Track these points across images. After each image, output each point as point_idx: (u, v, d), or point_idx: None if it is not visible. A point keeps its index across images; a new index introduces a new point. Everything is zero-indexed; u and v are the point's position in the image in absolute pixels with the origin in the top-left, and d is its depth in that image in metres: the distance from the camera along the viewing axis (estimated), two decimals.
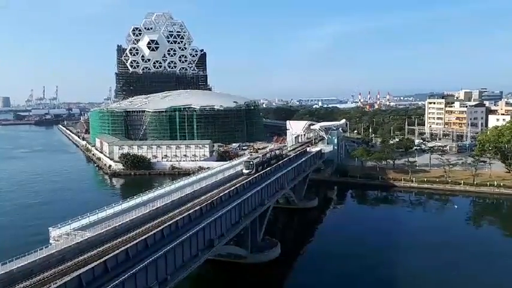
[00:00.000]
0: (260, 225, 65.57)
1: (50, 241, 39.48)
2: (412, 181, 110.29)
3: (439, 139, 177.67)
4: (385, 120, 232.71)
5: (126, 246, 36.24)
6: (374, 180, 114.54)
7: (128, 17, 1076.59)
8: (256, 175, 68.77)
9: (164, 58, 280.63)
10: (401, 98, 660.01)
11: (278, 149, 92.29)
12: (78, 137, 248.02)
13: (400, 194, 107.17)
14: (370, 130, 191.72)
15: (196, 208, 48.82)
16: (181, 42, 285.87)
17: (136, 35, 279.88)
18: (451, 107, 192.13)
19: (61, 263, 34.15)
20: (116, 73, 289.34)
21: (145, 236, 39.09)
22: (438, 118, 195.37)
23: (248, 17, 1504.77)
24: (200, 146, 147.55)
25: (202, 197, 55.92)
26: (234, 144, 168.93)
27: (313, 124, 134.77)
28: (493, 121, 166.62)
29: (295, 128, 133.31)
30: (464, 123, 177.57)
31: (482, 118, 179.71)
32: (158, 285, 36.67)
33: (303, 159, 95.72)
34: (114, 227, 41.54)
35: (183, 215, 45.87)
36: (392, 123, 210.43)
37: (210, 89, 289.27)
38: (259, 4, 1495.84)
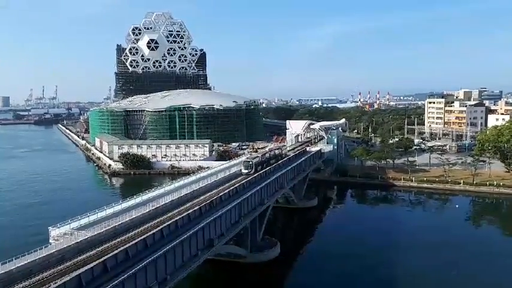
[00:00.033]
0: (260, 224, 65.56)
1: (50, 241, 39.42)
2: (412, 181, 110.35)
3: (439, 139, 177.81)
4: (384, 119, 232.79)
5: (125, 246, 36.20)
6: (374, 180, 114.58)
7: (128, 16, 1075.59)
8: (255, 175, 68.61)
9: (164, 58, 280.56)
10: (401, 97, 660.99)
11: (277, 149, 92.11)
12: (78, 137, 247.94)
13: (399, 194, 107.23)
14: (369, 130, 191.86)
15: (195, 208, 48.78)
16: (181, 41, 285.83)
17: (136, 35, 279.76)
18: (451, 106, 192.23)
19: (60, 262, 34.09)
20: (115, 73, 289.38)
21: (145, 235, 39.04)
22: (438, 118, 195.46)
23: (248, 17, 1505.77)
24: (200, 145, 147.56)
25: (202, 197, 55.85)
26: (233, 144, 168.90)
27: (313, 124, 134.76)
28: (492, 121, 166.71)
29: (295, 127, 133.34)
30: (463, 123, 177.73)
31: (481, 118, 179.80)
32: (158, 285, 36.64)
33: (303, 158, 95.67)
34: (114, 226, 41.49)
35: (183, 215, 45.82)
36: (392, 123, 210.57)
37: (209, 89, 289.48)
38: (259, 4, 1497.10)
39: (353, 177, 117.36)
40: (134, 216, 44.88)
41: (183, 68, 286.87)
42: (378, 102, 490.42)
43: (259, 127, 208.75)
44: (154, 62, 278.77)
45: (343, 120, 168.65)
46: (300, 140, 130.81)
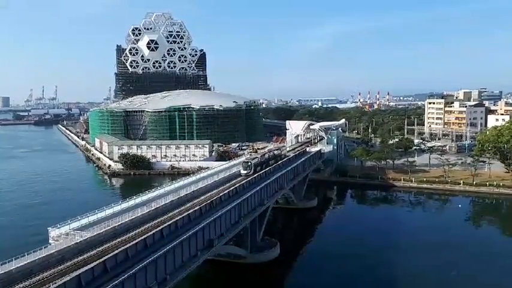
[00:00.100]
0: (259, 225, 65.55)
1: (50, 241, 39.44)
2: (412, 181, 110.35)
3: (439, 139, 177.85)
4: (384, 120, 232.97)
5: (125, 246, 36.22)
6: (373, 180, 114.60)
7: (128, 17, 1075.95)
8: (254, 176, 68.40)
9: (164, 58, 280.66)
10: (401, 98, 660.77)
11: (277, 150, 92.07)
12: (78, 137, 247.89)
13: (399, 194, 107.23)
14: (369, 130, 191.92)
15: (195, 208, 48.80)
16: (181, 42, 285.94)
17: (136, 35, 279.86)
18: (451, 107, 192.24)
19: (60, 263, 34.13)
20: (115, 73, 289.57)
21: (145, 236, 39.06)
22: (438, 118, 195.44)
23: (248, 17, 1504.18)
24: (200, 146, 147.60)
25: (202, 197, 55.92)
26: (233, 144, 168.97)
27: (313, 124, 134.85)
28: (492, 121, 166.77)
29: (295, 128, 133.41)
30: (463, 123, 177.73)
31: (481, 118, 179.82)
32: (157, 285, 36.65)
33: (303, 159, 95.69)
34: (114, 227, 41.52)
35: (183, 215, 45.84)
36: (391, 123, 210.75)
37: (209, 89, 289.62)
38: (259, 4, 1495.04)
39: (353, 178, 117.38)
40: (134, 217, 44.93)
41: (183, 68, 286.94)
42: (377, 102, 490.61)
43: (259, 127, 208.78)
44: (154, 63, 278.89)
45: (343, 120, 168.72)
46: (299, 140, 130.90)
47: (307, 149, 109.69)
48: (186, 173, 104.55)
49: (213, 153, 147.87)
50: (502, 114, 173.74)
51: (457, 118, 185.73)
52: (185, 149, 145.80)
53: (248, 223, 59.89)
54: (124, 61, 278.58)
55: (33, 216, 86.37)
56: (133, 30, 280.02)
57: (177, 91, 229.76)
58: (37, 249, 34.20)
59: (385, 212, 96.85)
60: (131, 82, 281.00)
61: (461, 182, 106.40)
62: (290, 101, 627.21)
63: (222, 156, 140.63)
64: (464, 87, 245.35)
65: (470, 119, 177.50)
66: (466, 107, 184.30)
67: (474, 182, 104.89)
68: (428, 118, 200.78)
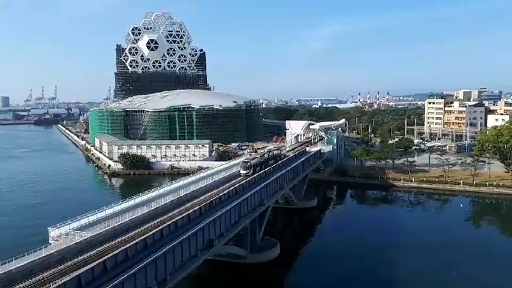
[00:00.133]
0: (259, 225, 65.55)
1: (50, 241, 39.43)
2: (412, 181, 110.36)
3: (438, 139, 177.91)
4: (384, 120, 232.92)
5: (125, 246, 36.22)
6: (373, 180, 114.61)
7: (128, 17, 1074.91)
8: (253, 176, 68.29)
9: (163, 58, 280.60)
10: (401, 98, 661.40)
11: (276, 150, 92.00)
12: (78, 137, 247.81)
13: (399, 194, 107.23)
14: (369, 130, 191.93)
15: (195, 208, 48.81)
16: (181, 42, 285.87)
17: (136, 35, 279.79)
18: (450, 107, 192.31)
19: (60, 263, 34.13)
20: (115, 73, 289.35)
21: (145, 236, 39.06)
22: (437, 118, 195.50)
23: (248, 17, 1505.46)
24: (199, 145, 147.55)
25: (202, 197, 55.91)
26: (233, 144, 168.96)
27: (313, 124, 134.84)
28: (492, 121, 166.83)
29: (295, 127, 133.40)
30: (463, 123, 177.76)
31: (481, 118, 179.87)
32: (157, 285, 36.66)
33: (302, 159, 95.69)
34: (114, 227, 41.51)
35: (183, 215, 45.85)
36: (391, 123, 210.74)
37: (209, 89, 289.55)
38: (259, 4, 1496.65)
39: (353, 178, 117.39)
40: (134, 217, 44.92)
41: (182, 68, 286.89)
42: (377, 102, 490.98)
43: (259, 127, 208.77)
44: (154, 62, 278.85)
45: (343, 120, 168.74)
46: (299, 140, 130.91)
47: (307, 148, 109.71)
48: (186, 173, 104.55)
49: (213, 153, 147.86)
50: (502, 114, 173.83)
51: (456, 118, 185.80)
52: (185, 148, 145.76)
53: (248, 223, 59.89)
54: (124, 61, 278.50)
55: (33, 216, 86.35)
56: (133, 30, 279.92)
57: (176, 91, 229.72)
58: (37, 249, 34.21)
59: (385, 212, 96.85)
60: (131, 82, 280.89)
61: (461, 182, 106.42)
62: (290, 101, 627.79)
63: (222, 156, 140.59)
64: (464, 87, 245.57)
65: (470, 118, 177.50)
66: (465, 107, 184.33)
67: (474, 182, 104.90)
68: (428, 118, 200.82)
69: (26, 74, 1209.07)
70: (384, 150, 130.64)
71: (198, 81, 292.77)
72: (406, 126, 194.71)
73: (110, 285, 30.94)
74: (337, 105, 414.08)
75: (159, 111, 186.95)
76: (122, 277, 32.31)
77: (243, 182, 64.04)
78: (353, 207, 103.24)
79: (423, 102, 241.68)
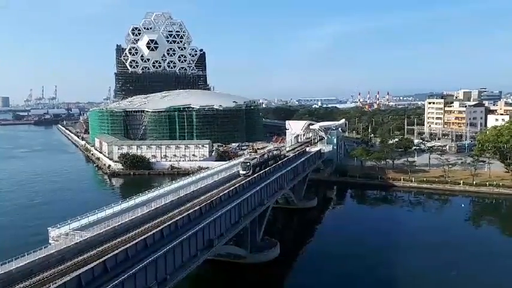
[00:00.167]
0: (259, 225, 65.56)
1: (50, 241, 39.44)
2: (412, 181, 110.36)
3: (438, 139, 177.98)
4: (384, 120, 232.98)
5: (125, 246, 36.22)
6: (373, 180, 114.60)
7: (128, 17, 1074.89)
8: (253, 176, 68.12)
9: (163, 58, 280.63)
10: (401, 98, 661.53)
11: (276, 150, 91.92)
12: (78, 137, 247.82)
13: (399, 194, 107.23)
14: (369, 130, 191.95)
15: (195, 208, 48.81)
16: (181, 42, 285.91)
17: (136, 35, 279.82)
18: (450, 106, 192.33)
19: (60, 263, 34.14)
20: (115, 73, 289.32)
21: (145, 236, 39.06)
22: (437, 118, 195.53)
23: (248, 17, 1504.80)
24: (199, 146, 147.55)
25: (202, 197, 55.93)
26: (233, 144, 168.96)
27: (313, 124, 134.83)
28: (492, 121, 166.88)
29: (295, 127, 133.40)
30: (463, 123, 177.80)
31: (481, 118, 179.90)
32: (157, 285, 36.64)
33: (302, 159, 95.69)
34: (114, 227, 41.52)
35: (183, 215, 45.85)
36: (391, 123, 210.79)
37: (209, 89, 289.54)
38: (259, 4, 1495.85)
39: (353, 178, 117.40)
40: (134, 217, 44.93)
41: (182, 68, 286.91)
42: (377, 102, 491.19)
43: (259, 127, 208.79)
44: (154, 62, 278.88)
45: (343, 120, 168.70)
46: (299, 140, 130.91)
47: (307, 149, 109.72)
48: (186, 173, 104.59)
49: (213, 153, 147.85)
50: (502, 114, 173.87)
51: (456, 118, 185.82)
52: (185, 149, 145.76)
53: (248, 223, 59.89)
54: (124, 61, 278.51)
55: (33, 216, 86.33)
56: (133, 30, 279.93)
57: (176, 91, 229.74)
58: (37, 249, 34.21)
59: (385, 212, 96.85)
60: (131, 82, 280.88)
61: (461, 182, 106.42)
62: (290, 101, 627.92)
63: (222, 156, 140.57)
64: (464, 87, 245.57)
65: (470, 118, 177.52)
66: (465, 106, 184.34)
67: (474, 182, 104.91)
68: (428, 118, 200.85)
69: (26, 74, 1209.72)
70: (383, 150, 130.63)
71: (198, 82, 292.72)
72: (406, 126, 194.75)
73: (110, 285, 30.93)
74: (337, 105, 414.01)
75: (159, 112, 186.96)
76: (122, 277, 32.29)
77: (243, 182, 64.05)
78: (353, 207, 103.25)
79: (423, 102, 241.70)
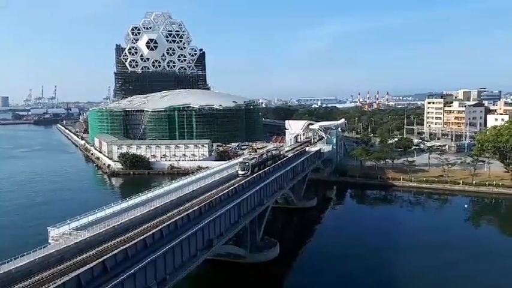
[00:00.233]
0: (259, 225, 65.54)
1: (49, 241, 39.39)
2: (411, 181, 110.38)
3: (438, 139, 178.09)
4: (384, 119, 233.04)
5: (125, 246, 36.16)
6: (373, 180, 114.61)
7: (128, 16, 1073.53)
8: (251, 177, 67.83)
9: (163, 57, 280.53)
10: (401, 97, 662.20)
11: (275, 150, 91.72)
12: (77, 137, 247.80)
13: (399, 194, 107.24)
14: (369, 130, 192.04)
15: (195, 208, 48.74)
16: (181, 41, 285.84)
17: (135, 35, 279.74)
18: (450, 106, 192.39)
19: (60, 262, 34.05)
20: (114, 72, 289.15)
21: (145, 235, 39.00)
22: (437, 118, 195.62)
23: (248, 17, 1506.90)
24: (199, 145, 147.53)
25: (201, 197, 55.76)
26: (233, 144, 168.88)
27: (312, 124, 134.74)
28: (491, 121, 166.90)
29: (294, 127, 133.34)
30: (463, 123, 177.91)
31: (481, 118, 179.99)
32: (157, 285, 36.62)
33: (302, 159, 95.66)
34: (113, 226, 41.43)
35: (182, 215, 45.79)
36: (391, 123, 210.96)
37: (209, 89, 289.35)
38: (259, 4, 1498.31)
39: (352, 177, 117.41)
40: (134, 216, 44.84)
41: (182, 68, 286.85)
42: (377, 102, 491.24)
43: (259, 127, 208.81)
44: (153, 62, 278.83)
45: (343, 120, 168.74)
46: (299, 140, 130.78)
47: (307, 148, 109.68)
48: (186, 172, 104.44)
49: (213, 153, 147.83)
50: (501, 114, 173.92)
51: (456, 118, 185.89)
52: (184, 148, 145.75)
53: (248, 223, 59.88)
54: (123, 60, 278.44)
55: (33, 216, 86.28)
56: (132, 29, 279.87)
57: (176, 90, 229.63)
58: (36, 249, 34.18)
59: (384, 211, 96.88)
60: (130, 81, 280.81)
61: (461, 181, 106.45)
62: (290, 100, 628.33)
63: (222, 156, 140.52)
64: (464, 87, 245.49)
65: (469, 118, 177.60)
66: (465, 106, 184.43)
67: (473, 182, 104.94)
68: (428, 118, 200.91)
69: (26, 74, 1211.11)
70: (383, 150, 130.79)
71: (197, 81, 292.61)
72: (405, 126, 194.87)
73: (109, 285, 30.91)
74: (337, 105, 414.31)
75: (158, 111, 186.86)
76: (122, 277, 32.27)
77: (242, 181, 63.98)
78: (353, 207, 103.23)
79: (423, 102, 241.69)
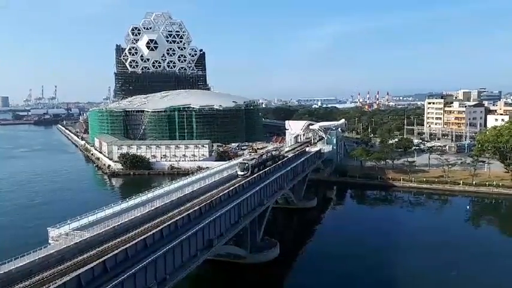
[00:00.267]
0: (259, 225, 65.54)
1: (49, 241, 39.41)
2: (411, 181, 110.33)
3: (438, 139, 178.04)
4: (384, 120, 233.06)
5: (125, 246, 36.20)
6: (373, 180, 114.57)
7: (128, 17, 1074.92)
8: (251, 177, 67.83)
9: (163, 58, 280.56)
10: (401, 98, 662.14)
11: (275, 150, 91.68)
12: (77, 137, 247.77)
13: (399, 194, 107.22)
14: (369, 130, 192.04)
15: (195, 208, 48.78)
16: (181, 42, 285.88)
17: (136, 35, 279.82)
18: (450, 107, 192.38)
19: (60, 263, 34.09)
20: (115, 73, 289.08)
21: (145, 236, 39.04)
22: (437, 118, 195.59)
23: (248, 17, 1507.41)
24: (199, 146, 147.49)
25: (202, 197, 55.83)
26: (233, 144, 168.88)
27: (313, 124, 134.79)
28: (491, 121, 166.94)
29: (295, 128, 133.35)
30: (463, 123, 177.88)
31: (481, 118, 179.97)
32: (157, 285, 36.63)
33: (302, 159, 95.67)
34: (113, 227, 41.46)
35: (182, 215, 45.82)
36: (391, 123, 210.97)
37: (209, 89, 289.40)
38: (259, 4, 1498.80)
39: (352, 178, 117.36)
40: (134, 217, 44.89)
41: (182, 68, 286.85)
42: (377, 102, 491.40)
43: (259, 127, 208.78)
44: (153, 62, 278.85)
45: (343, 120, 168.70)
46: (299, 140, 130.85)
47: (307, 149, 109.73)
48: (186, 173, 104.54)
49: (213, 153, 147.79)
50: (502, 114, 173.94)
51: (456, 118, 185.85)
52: (185, 149, 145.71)
53: (248, 223, 59.88)
54: (123, 61, 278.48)
55: (33, 216, 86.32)
56: (132, 29, 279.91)
57: (176, 91, 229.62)
58: (37, 250, 34.19)
59: (384, 212, 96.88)
60: (131, 82, 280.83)
61: (461, 182, 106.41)
62: (290, 101, 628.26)
63: (222, 156, 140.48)
64: (464, 87, 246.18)
65: (469, 119, 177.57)
66: (465, 107, 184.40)
67: (474, 182, 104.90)
68: (428, 118, 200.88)
69: (26, 74, 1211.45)
70: (383, 150, 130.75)
71: (197, 81, 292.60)
72: (405, 126, 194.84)
73: (109, 285, 30.93)
74: (337, 106, 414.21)
75: (158, 111, 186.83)
76: (122, 277, 32.29)
77: (242, 182, 64.04)
78: (353, 207, 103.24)
79: (423, 103, 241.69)
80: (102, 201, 69.83)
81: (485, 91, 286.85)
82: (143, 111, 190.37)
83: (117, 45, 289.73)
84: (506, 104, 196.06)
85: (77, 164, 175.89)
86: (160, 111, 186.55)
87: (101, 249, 36.84)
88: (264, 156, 79.15)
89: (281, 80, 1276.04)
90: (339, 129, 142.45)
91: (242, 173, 68.77)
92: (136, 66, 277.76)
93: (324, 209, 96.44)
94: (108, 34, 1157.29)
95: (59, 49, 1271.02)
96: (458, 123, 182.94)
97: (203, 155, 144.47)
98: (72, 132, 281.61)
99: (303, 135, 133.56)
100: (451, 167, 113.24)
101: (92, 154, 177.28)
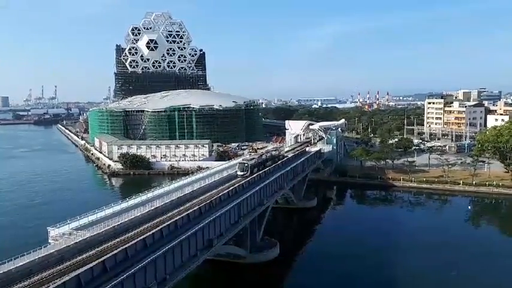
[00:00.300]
0: (259, 225, 65.54)
1: (49, 241, 39.41)
2: (411, 181, 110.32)
3: (438, 139, 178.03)
4: (384, 120, 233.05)
5: (125, 246, 36.19)
6: (373, 180, 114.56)
7: (128, 17, 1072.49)
8: (251, 177, 67.75)
9: (163, 58, 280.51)
10: (401, 98, 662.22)
11: (274, 150, 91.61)
12: (77, 137, 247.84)
13: (399, 194, 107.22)
14: (369, 130, 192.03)
15: (195, 208, 48.78)
16: (181, 42, 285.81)
17: (136, 35, 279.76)
18: (450, 107, 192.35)
19: (60, 262, 34.09)
20: (115, 73, 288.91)
21: (144, 235, 39.03)
22: (437, 118, 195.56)
23: (248, 17, 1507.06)
24: (199, 145, 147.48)
25: (201, 197, 55.82)
26: (233, 144, 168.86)
27: (313, 124, 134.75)
28: (491, 121, 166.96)
29: (295, 127, 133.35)
30: (463, 123, 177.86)
31: (481, 118, 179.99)
32: (157, 285, 36.62)
33: (302, 159, 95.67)
34: (113, 226, 41.46)
35: (182, 215, 45.82)
36: (391, 123, 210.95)
37: (209, 89, 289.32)
38: (259, 4, 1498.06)
39: (352, 178, 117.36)
40: (134, 217, 44.89)
41: (182, 68, 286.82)
42: (377, 102, 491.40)
43: (259, 127, 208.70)
44: (153, 62, 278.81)
45: (343, 120, 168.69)
46: (299, 140, 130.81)
47: (307, 149, 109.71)
48: (186, 172, 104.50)
49: (213, 153, 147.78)
50: (502, 114, 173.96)
51: (456, 118, 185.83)
52: (185, 148, 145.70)
53: (248, 223, 59.87)
54: (123, 61, 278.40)
55: (33, 216, 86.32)
56: (132, 29, 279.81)
57: (176, 91, 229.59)
58: (36, 249, 34.18)
59: (384, 212, 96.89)
60: (131, 82, 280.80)
61: (461, 182, 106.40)
62: (290, 101, 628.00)
63: (222, 156, 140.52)
64: (464, 87, 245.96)
65: (469, 119, 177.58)
66: (465, 107, 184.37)
67: (473, 182, 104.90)
68: (428, 118, 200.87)
69: (26, 74, 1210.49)
70: (383, 150, 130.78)
71: (197, 81, 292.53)
72: (405, 126, 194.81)
73: (109, 285, 30.91)
74: (337, 105, 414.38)
75: (158, 111, 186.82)
76: (122, 277, 32.28)
77: (242, 182, 64.04)
78: (353, 207, 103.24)
79: (423, 102, 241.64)
80: (102, 201, 69.76)
81: (485, 91, 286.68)
82: (143, 111, 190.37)
83: (117, 45, 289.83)
84: (506, 104, 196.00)
85: (77, 163, 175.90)
86: (160, 111, 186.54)
87: (101, 249, 36.82)
88: (264, 156, 79.00)
89: (281, 80, 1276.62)
90: (339, 129, 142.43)
91: (241, 173, 68.68)
92: (137, 66, 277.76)
93: (324, 209, 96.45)
94: (108, 34, 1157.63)
95: (59, 49, 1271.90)
96: (458, 123, 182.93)
97: (203, 155, 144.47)
98: (72, 132, 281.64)
99: (303, 135, 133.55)
100: (451, 167, 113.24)
101: (92, 154, 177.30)
